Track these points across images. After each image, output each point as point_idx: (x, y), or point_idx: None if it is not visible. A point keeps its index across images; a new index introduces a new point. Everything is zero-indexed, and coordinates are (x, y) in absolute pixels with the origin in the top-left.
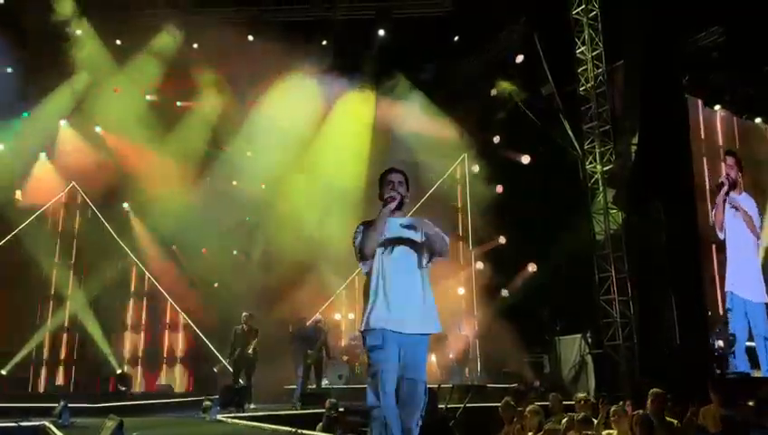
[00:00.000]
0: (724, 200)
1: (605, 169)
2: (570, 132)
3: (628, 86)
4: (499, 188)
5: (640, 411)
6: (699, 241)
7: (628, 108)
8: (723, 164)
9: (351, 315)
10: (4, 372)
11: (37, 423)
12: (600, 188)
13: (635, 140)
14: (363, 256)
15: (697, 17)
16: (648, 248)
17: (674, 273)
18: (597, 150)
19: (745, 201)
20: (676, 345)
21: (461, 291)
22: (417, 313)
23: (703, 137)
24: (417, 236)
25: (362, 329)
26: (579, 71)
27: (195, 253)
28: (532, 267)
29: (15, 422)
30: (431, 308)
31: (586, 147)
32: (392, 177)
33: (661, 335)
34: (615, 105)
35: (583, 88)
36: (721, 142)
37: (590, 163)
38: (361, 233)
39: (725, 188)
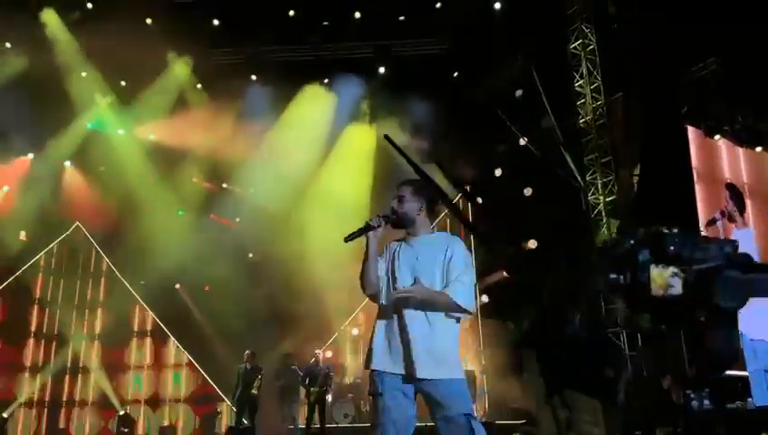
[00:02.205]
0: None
1: (608, 199)
2: (571, 164)
3: (628, 117)
4: (502, 222)
5: None
6: None
7: (628, 139)
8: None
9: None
10: (5, 415)
11: None
12: (604, 220)
13: (637, 171)
14: (363, 289)
15: (694, 49)
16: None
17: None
18: (599, 181)
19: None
20: (689, 381)
21: (465, 324)
22: (429, 354)
23: (727, 175)
24: (435, 267)
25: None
26: (578, 103)
27: (198, 290)
28: (536, 300)
29: None
30: (446, 351)
31: (588, 178)
32: (402, 190)
33: (672, 370)
34: (615, 136)
35: (583, 120)
36: (746, 179)
37: (593, 194)
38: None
39: (720, 221)
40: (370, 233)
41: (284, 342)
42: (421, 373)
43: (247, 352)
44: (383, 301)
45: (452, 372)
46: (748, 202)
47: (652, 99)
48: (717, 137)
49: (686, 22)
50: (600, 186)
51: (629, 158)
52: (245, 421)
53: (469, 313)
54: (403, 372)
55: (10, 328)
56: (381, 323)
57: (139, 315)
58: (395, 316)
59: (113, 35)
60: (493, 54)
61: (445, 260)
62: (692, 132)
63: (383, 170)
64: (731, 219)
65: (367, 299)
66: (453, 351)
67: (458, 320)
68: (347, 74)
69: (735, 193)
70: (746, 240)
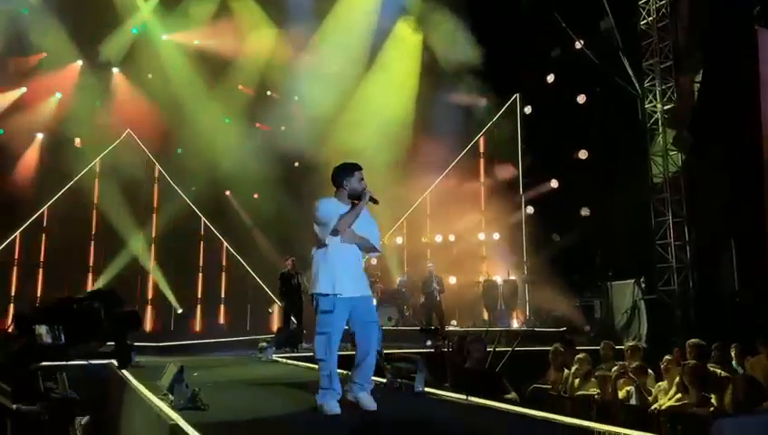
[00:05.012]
0: None
1: (665, 108)
2: (629, 70)
3: (693, 19)
4: (553, 130)
5: (690, 362)
6: (764, 185)
7: (692, 42)
8: None
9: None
10: None
11: (105, 362)
12: (660, 129)
13: (698, 78)
14: (337, 232)
15: None
16: (709, 192)
17: (735, 217)
18: (657, 89)
19: None
20: (735, 292)
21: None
22: (363, 282)
23: None
24: (371, 232)
25: (316, 292)
26: (640, 3)
27: (247, 198)
28: (585, 211)
29: (85, 361)
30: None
31: (645, 85)
32: (363, 174)
33: (719, 281)
34: (678, 40)
35: (644, 22)
36: None
37: (650, 102)
38: (336, 213)
39: None
40: (369, 202)
41: None
42: (367, 292)
43: (288, 258)
44: (345, 239)
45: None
46: None
47: None
48: None
49: None
50: (657, 93)
51: (692, 63)
52: (294, 322)
53: (379, 252)
54: (359, 294)
55: (72, 231)
56: (337, 258)
57: (191, 220)
58: (351, 251)
59: None
60: None
61: (371, 219)
62: (762, 35)
63: (428, 72)
64: None
65: (410, 210)
66: None
67: None
68: None
69: None
70: None
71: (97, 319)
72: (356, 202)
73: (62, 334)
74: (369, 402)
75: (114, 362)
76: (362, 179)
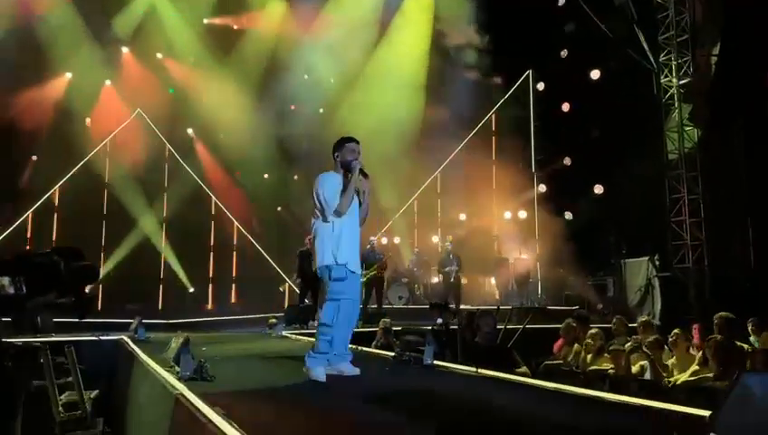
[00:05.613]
0: None
1: (682, 82)
2: (644, 44)
3: None
4: (566, 106)
5: (718, 337)
6: None
7: (709, 15)
8: None
9: (397, 238)
10: (86, 290)
11: (116, 338)
12: (676, 104)
13: (716, 51)
14: (340, 214)
15: None
16: (725, 168)
17: (751, 193)
18: (673, 63)
19: None
20: (751, 269)
21: (522, 214)
22: (359, 260)
23: None
24: (363, 201)
25: (327, 264)
26: None
27: (257, 178)
28: (598, 189)
29: (97, 336)
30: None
31: (661, 59)
32: (357, 146)
33: (734, 259)
34: (695, 13)
35: None
36: None
37: (666, 77)
38: (337, 194)
39: None
40: (361, 175)
41: None
42: (359, 271)
43: (307, 237)
44: (349, 215)
45: None
46: None
47: None
48: None
49: None
50: (674, 67)
51: (709, 36)
52: (307, 301)
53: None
54: (354, 269)
55: (83, 211)
56: (342, 232)
57: (202, 200)
58: (353, 228)
59: None
60: None
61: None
62: None
63: (439, 51)
64: None
65: (420, 189)
66: None
67: None
68: None
69: None
70: None
71: (56, 271)
72: (348, 175)
73: (23, 286)
74: (352, 369)
75: (123, 336)
76: (354, 151)
